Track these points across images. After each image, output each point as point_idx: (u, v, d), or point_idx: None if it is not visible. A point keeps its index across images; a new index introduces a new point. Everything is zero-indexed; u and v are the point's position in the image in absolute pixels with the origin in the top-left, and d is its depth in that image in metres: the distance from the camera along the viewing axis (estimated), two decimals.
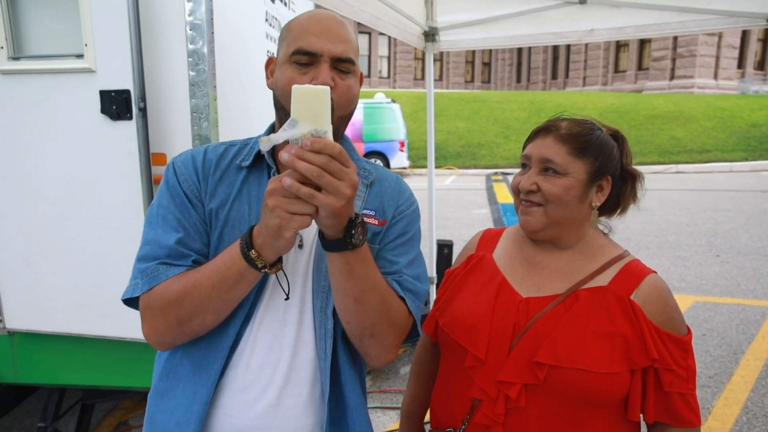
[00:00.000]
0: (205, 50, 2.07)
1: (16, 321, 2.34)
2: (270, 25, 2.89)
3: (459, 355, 1.14)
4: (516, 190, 1.15)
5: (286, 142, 0.81)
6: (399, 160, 14.38)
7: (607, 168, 1.13)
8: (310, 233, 1.07)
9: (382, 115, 14.59)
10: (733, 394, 3.32)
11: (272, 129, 1.13)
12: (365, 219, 1.07)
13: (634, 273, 1.09)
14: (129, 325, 2.18)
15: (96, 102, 2.04)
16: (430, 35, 3.06)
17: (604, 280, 1.09)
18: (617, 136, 1.18)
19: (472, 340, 1.10)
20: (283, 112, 1.01)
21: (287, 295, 1.00)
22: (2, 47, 2.09)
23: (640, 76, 29.81)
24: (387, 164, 15.04)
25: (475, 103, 21.55)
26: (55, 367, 2.46)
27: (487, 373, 1.07)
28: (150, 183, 2.10)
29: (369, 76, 34.74)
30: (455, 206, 9.80)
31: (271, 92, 1.08)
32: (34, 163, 2.16)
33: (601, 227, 1.21)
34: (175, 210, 1.02)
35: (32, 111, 2.12)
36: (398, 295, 1.04)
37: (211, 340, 1.02)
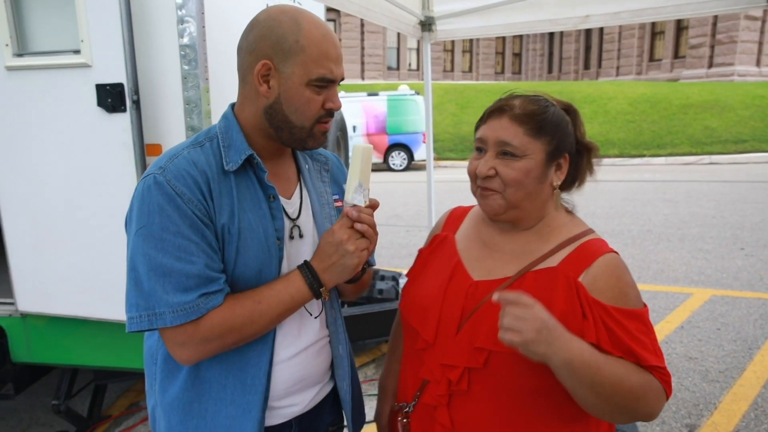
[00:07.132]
0: (197, 44, 2.14)
1: (28, 304, 2.47)
2: None
3: (413, 336, 1.17)
4: (473, 176, 1.10)
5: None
6: (423, 152, 14.35)
7: (564, 145, 1.10)
8: (308, 224, 1.17)
9: (405, 107, 14.55)
10: (743, 389, 3.24)
11: (229, 118, 1.11)
12: (335, 204, 1.26)
13: (587, 253, 1.05)
14: None
15: (93, 95, 2.12)
16: (427, 25, 3.06)
17: (555, 261, 1.06)
18: (570, 110, 1.15)
19: (422, 323, 1.12)
20: (287, 125, 1.06)
21: (317, 315, 1.20)
22: (7, 44, 2.20)
23: (676, 65, 28.79)
24: (411, 157, 15.03)
25: (502, 93, 21.22)
26: (67, 348, 2.58)
27: (434, 356, 1.10)
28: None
29: (398, 68, 34.60)
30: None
31: None
32: (39, 154, 2.27)
33: (566, 204, 1.18)
34: (191, 234, 0.98)
35: (36, 105, 2.23)
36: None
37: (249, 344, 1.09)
